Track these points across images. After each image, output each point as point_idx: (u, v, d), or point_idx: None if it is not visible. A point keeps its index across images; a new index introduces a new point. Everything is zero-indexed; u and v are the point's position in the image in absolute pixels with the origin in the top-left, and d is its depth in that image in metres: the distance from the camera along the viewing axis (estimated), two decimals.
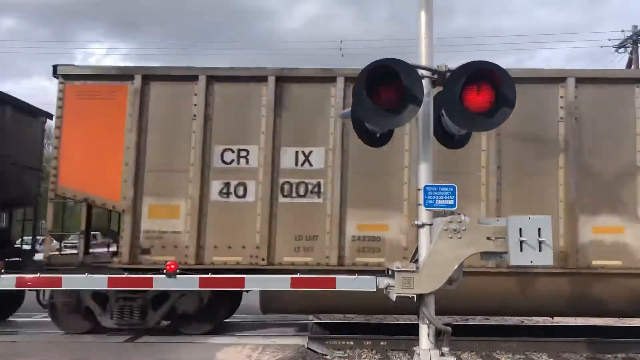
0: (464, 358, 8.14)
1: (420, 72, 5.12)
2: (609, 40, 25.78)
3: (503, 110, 4.85)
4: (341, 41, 54.69)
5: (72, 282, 5.95)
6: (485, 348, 8.52)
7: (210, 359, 7.17)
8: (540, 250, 4.80)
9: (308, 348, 8.12)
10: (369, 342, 8.75)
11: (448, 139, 5.66)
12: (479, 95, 4.88)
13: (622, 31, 25.20)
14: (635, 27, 24.70)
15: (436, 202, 5.11)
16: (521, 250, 4.80)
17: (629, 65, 24.72)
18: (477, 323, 10.67)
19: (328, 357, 8.13)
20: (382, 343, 8.70)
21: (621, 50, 25.32)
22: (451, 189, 5.09)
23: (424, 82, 5.15)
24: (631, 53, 24.76)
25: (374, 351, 8.50)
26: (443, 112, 5.25)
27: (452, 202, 5.08)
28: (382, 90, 4.86)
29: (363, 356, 8.29)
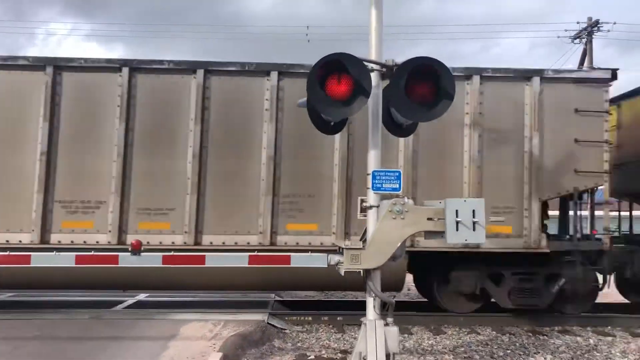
0: (415, 331, 8.74)
1: (370, 65, 5.54)
2: (565, 31, 26.69)
3: (444, 102, 5.29)
4: (307, 27, 54.78)
5: (41, 259, 6.22)
6: (434, 322, 9.14)
7: (175, 334, 7.57)
8: (474, 230, 5.31)
9: (268, 323, 8.59)
10: (326, 318, 9.27)
11: (396, 128, 6.09)
12: (422, 89, 5.32)
13: (578, 22, 26.15)
14: (590, 18, 25.67)
15: (383, 186, 5.55)
16: (457, 230, 5.30)
17: (583, 56, 25.71)
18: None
19: (287, 331, 8.61)
20: (338, 318, 9.23)
21: (577, 41, 26.29)
22: (397, 174, 5.53)
23: (373, 75, 5.55)
24: (586, 44, 25.74)
25: (330, 326, 9.02)
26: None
27: (397, 185, 5.52)
28: (334, 83, 5.26)
29: (320, 330, 8.80)
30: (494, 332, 8.80)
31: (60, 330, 7.58)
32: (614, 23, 25.50)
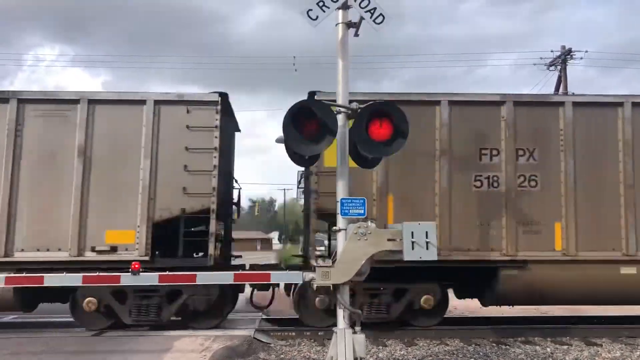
0: (389, 344, 9.53)
1: (337, 108, 6.48)
2: (541, 58, 28.00)
3: (399, 140, 6.25)
4: (294, 57, 56.26)
5: (53, 279, 7.00)
6: (408, 335, 9.95)
7: (168, 348, 8.33)
8: (427, 248, 6.20)
9: (254, 338, 9.37)
10: (308, 333, 10.05)
11: (362, 161, 7.01)
12: (381, 129, 6.26)
13: (552, 51, 27.49)
14: (564, 47, 26.99)
15: (350, 212, 6.44)
16: (413, 249, 6.19)
17: (558, 83, 26.95)
18: None
19: (272, 345, 9.38)
20: (320, 333, 10.00)
21: (552, 68, 27.56)
22: (362, 201, 6.44)
23: (341, 116, 6.48)
24: (560, 72, 27.01)
25: (312, 340, 9.79)
26: None
27: (362, 211, 6.42)
28: (305, 124, 6.18)
29: (302, 344, 9.57)
30: (462, 343, 9.62)
31: (66, 346, 8.34)
32: (586, 51, 26.85)
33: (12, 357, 7.62)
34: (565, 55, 26.92)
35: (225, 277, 7.06)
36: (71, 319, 9.91)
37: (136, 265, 7.03)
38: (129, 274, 7.13)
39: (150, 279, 7.29)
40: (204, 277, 7.81)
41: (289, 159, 6.97)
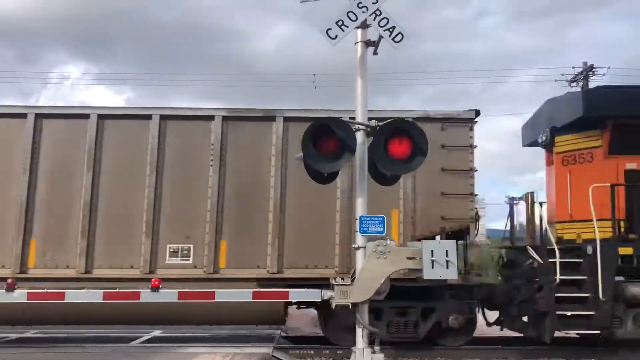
0: None
1: (356, 125, 6.49)
2: (562, 75, 27.82)
3: (418, 158, 6.22)
4: (314, 74, 56.91)
5: (74, 296, 7.08)
6: (428, 355, 9.80)
7: None
8: (447, 267, 6.14)
9: (273, 356, 9.31)
10: (327, 351, 9.96)
11: (381, 178, 6.99)
12: (400, 146, 6.25)
13: (573, 67, 27.30)
14: (585, 63, 26.78)
15: (369, 229, 6.42)
16: (432, 267, 6.13)
17: None
18: None
19: None
20: (338, 352, 9.90)
21: (573, 84, 27.33)
22: (380, 219, 6.41)
23: (360, 133, 6.50)
24: (582, 88, 26.74)
25: (331, 359, 9.70)
26: None
27: (381, 229, 6.39)
28: (324, 141, 6.20)
29: None
30: None
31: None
32: (609, 67, 26.61)
33: None
34: (587, 72, 26.70)
35: (243, 295, 7.05)
36: (89, 334, 9.96)
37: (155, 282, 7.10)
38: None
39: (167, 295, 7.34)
40: (222, 295, 7.79)
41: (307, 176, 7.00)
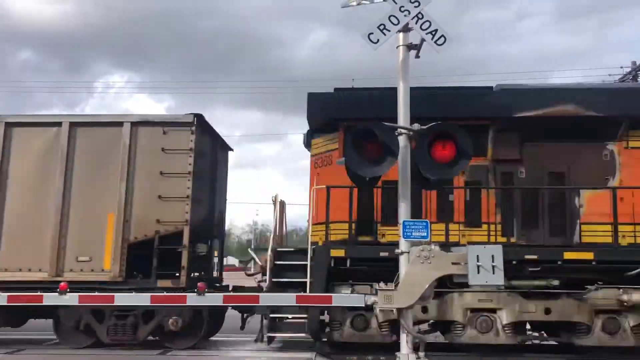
0: None
1: (399, 129, 6.45)
2: (609, 75, 26.95)
3: (462, 161, 6.14)
4: (353, 79, 56.72)
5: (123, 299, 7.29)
6: None
7: None
8: (493, 273, 6.01)
9: None
10: (370, 358, 9.88)
11: (425, 182, 6.92)
12: (444, 150, 6.18)
13: (621, 67, 26.41)
14: (634, 62, 25.87)
15: (413, 234, 6.36)
16: (478, 273, 6.02)
17: None
18: None
19: None
20: (381, 358, 9.82)
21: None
22: (424, 224, 6.35)
23: (402, 137, 6.46)
24: None
25: None
26: None
27: (425, 234, 6.32)
28: (367, 145, 6.19)
29: None
30: None
31: None
32: None
33: None
34: (636, 71, 25.78)
35: (287, 299, 7.09)
36: None
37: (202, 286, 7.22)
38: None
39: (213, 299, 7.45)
40: (266, 299, 7.85)
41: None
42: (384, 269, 7.68)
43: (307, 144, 10.98)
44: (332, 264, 8.97)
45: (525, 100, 9.54)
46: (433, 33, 6.36)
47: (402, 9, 6.37)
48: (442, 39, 6.34)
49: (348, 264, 9.00)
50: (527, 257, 8.75)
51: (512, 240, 9.37)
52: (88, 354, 9.30)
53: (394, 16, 6.37)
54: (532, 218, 9.53)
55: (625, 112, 9.53)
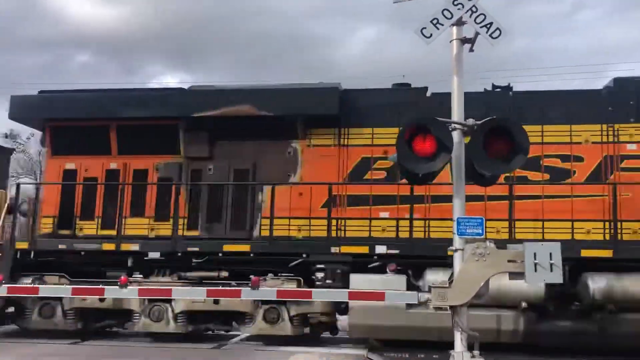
0: None
1: (453, 125, 6.36)
2: None
3: (519, 156, 6.00)
4: (403, 76, 56.17)
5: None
6: None
7: None
8: (551, 270, 5.85)
9: (368, 358, 9.32)
10: (422, 355, 9.81)
11: (479, 178, 6.80)
12: (500, 145, 6.06)
13: None
14: None
15: (467, 231, 6.26)
16: (535, 271, 5.87)
17: None
18: None
19: None
20: (434, 356, 9.72)
21: None
22: (479, 221, 6.23)
23: (456, 133, 6.36)
24: None
25: None
26: None
27: (480, 230, 6.21)
28: (419, 141, 6.13)
29: None
30: None
31: (190, 357, 8.85)
32: None
33: None
34: None
35: (340, 295, 7.14)
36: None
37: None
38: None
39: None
40: (320, 294, 7.93)
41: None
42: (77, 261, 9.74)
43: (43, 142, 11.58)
44: (19, 256, 9.91)
45: (207, 100, 10.16)
46: (488, 26, 6.24)
47: (456, 2, 6.28)
48: (497, 31, 6.22)
49: (32, 256, 9.93)
50: (189, 249, 9.52)
51: (197, 233, 10.12)
52: (149, 346, 9.65)
53: (447, 10, 6.29)
54: (216, 212, 10.25)
55: (298, 112, 10.01)
